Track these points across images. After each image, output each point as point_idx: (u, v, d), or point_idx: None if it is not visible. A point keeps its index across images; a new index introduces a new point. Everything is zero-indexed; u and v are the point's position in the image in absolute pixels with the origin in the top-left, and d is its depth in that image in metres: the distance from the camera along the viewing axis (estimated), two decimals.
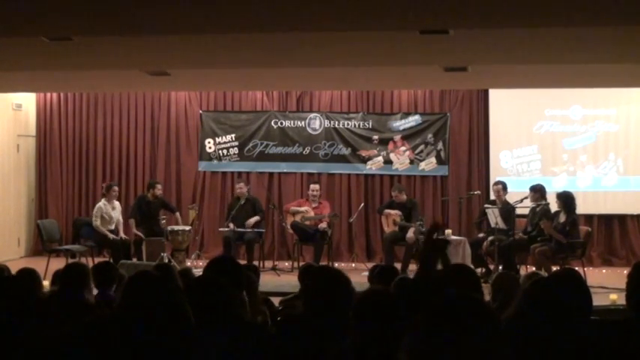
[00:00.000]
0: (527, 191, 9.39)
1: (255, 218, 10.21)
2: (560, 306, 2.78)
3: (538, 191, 9.25)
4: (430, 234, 3.77)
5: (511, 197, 9.52)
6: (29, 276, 4.71)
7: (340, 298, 3.03)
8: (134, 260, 9.48)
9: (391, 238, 9.89)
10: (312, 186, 10.55)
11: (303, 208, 10.38)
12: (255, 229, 10.16)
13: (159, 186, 10.34)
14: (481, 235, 9.73)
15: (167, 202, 10.66)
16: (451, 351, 1.72)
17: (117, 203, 10.29)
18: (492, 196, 10.08)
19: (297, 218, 10.32)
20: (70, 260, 8.34)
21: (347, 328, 2.78)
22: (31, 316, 3.23)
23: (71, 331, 2.30)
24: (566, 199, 8.89)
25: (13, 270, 5.08)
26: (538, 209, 9.14)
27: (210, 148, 11.61)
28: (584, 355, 2.71)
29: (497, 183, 9.88)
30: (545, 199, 9.20)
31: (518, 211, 9.32)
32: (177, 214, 10.45)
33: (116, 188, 10.34)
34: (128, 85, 10.39)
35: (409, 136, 11.27)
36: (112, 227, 10.14)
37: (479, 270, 9.11)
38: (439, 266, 3.75)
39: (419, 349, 1.77)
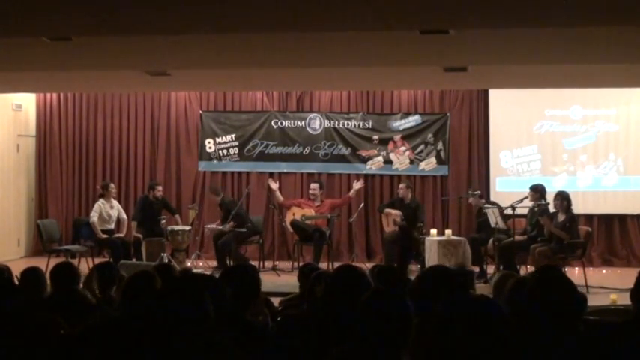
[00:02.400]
0: (527, 191, 9.39)
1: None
2: (543, 306, 2.78)
3: (538, 191, 9.25)
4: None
5: (511, 197, 9.51)
6: (35, 275, 4.73)
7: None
8: (134, 260, 9.48)
9: (391, 238, 9.89)
10: (311, 185, 10.55)
11: (304, 211, 10.36)
12: (235, 230, 9.98)
13: (159, 187, 10.36)
14: (478, 234, 9.71)
15: (169, 203, 10.67)
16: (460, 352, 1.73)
17: (115, 203, 10.30)
18: (491, 197, 10.10)
19: (298, 217, 10.32)
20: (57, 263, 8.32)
21: (348, 328, 2.78)
22: (35, 316, 3.23)
23: (72, 332, 2.31)
24: (562, 199, 8.90)
25: (14, 270, 5.08)
26: (537, 209, 9.14)
27: (210, 148, 11.61)
28: (584, 355, 2.71)
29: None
30: (545, 199, 9.20)
31: (518, 211, 9.32)
32: (177, 216, 10.46)
33: (113, 186, 10.36)
34: (128, 85, 10.39)
35: (409, 136, 11.27)
36: (111, 227, 10.15)
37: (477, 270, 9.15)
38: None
39: (427, 350, 1.77)
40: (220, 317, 3.00)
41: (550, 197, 9.25)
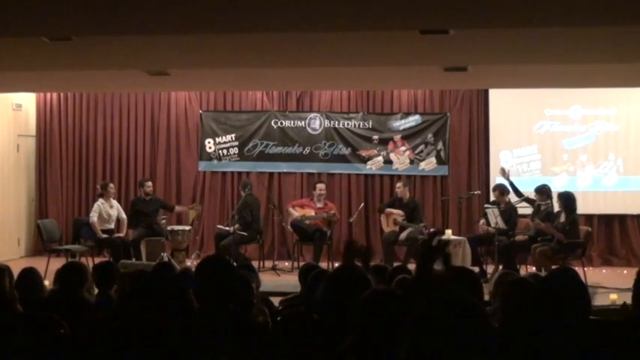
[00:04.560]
0: (527, 191, 9.38)
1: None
2: (552, 307, 2.78)
3: (544, 192, 9.23)
4: (429, 241, 3.70)
5: (511, 197, 9.52)
6: (30, 275, 4.72)
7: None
8: (134, 260, 9.48)
9: (390, 238, 9.91)
10: (318, 185, 10.50)
11: (305, 211, 10.35)
12: (238, 233, 9.92)
13: (148, 183, 10.37)
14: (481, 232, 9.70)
15: (163, 201, 10.68)
16: (442, 351, 1.74)
17: (115, 202, 10.30)
18: (491, 197, 10.10)
19: (298, 217, 10.31)
20: (70, 260, 8.33)
21: (348, 328, 2.77)
22: (32, 316, 3.23)
23: (72, 332, 2.30)
24: (567, 200, 8.89)
25: (14, 269, 5.08)
26: (542, 209, 9.13)
27: (210, 148, 11.61)
28: (583, 355, 2.71)
29: (494, 188, 9.83)
30: (551, 198, 9.19)
31: (519, 211, 9.32)
32: (177, 207, 10.59)
33: (112, 185, 10.37)
34: (128, 85, 10.39)
35: (409, 136, 11.27)
36: (111, 226, 10.15)
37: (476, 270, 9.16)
38: (439, 267, 3.73)
39: (415, 350, 1.78)
40: (220, 317, 3.00)
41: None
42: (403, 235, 9.73)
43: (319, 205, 10.38)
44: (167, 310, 2.70)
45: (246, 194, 10.16)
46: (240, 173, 11.58)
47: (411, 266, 9.66)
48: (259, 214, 10.44)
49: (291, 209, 10.46)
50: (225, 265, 3.38)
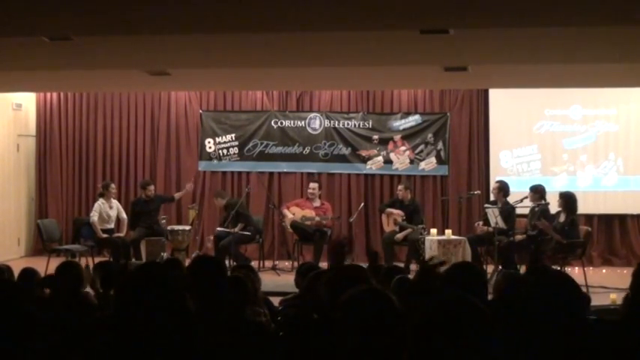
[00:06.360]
0: (527, 191, 9.39)
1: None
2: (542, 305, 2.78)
3: (538, 192, 9.24)
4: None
5: (511, 197, 9.51)
6: (30, 275, 4.72)
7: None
8: (134, 260, 9.48)
9: (390, 238, 9.91)
10: (311, 184, 10.53)
11: (304, 212, 10.34)
12: (239, 232, 9.92)
13: (150, 187, 10.31)
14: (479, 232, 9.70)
15: (163, 195, 10.74)
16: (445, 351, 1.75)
17: (115, 202, 10.30)
18: (491, 197, 10.11)
19: (298, 218, 10.31)
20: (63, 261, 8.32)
21: (348, 328, 2.77)
22: (32, 316, 3.23)
23: (74, 332, 2.31)
24: (568, 200, 8.87)
25: (14, 269, 5.09)
26: (537, 209, 9.14)
27: (210, 147, 11.62)
28: (582, 355, 2.71)
29: (495, 182, 9.88)
30: (545, 199, 9.20)
31: (519, 211, 9.32)
32: (176, 195, 10.74)
33: (113, 186, 10.38)
34: (128, 85, 10.40)
35: (409, 135, 11.27)
36: (111, 226, 10.15)
37: None
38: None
39: (416, 349, 1.79)
40: (220, 317, 3.00)
41: (550, 197, 9.25)
42: (399, 236, 9.76)
43: (316, 204, 10.38)
44: (165, 310, 2.70)
45: (227, 199, 10.24)
46: (240, 173, 11.59)
47: (413, 267, 9.76)
48: (248, 211, 10.48)
49: (285, 211, 10.46)
50: (216, 265, 3.38)
